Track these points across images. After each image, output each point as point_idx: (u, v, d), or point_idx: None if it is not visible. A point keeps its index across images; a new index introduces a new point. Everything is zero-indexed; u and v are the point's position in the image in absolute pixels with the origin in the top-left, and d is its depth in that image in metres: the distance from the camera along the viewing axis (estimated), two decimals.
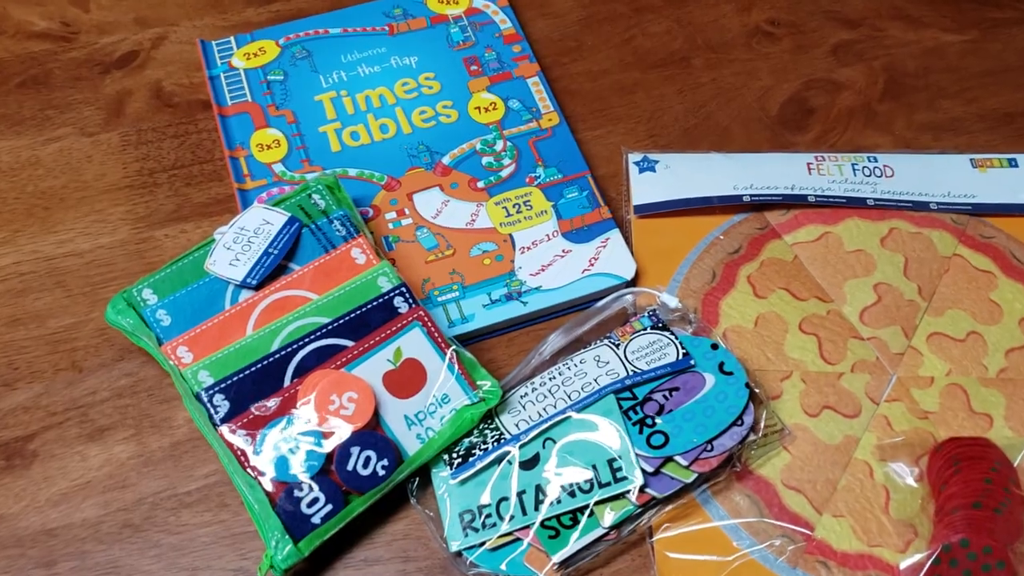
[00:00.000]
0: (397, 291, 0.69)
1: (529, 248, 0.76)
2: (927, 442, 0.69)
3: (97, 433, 0.70)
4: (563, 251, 0.76)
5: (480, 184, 0.79)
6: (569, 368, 0.70)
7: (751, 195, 0.78)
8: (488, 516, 0.65)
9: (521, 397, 0.69)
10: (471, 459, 0.67)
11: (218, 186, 0.81)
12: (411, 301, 0.69)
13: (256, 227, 0.71)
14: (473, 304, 0.74)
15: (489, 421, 0.68)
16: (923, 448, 0.68)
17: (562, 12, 0.92)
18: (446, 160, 0.81)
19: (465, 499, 0.66)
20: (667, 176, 0.80)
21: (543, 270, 0.75)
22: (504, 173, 0.80)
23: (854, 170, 0.80)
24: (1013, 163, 0.81)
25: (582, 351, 0.71)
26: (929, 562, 0.62)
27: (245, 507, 0.66)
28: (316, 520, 0.62)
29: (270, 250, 0.70)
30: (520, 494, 0.65)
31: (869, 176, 0.80)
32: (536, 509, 0.65)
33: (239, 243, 0.70)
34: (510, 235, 0.77)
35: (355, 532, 0.66)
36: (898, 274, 0.76)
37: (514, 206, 0.78)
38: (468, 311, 0.73)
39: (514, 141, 0.82)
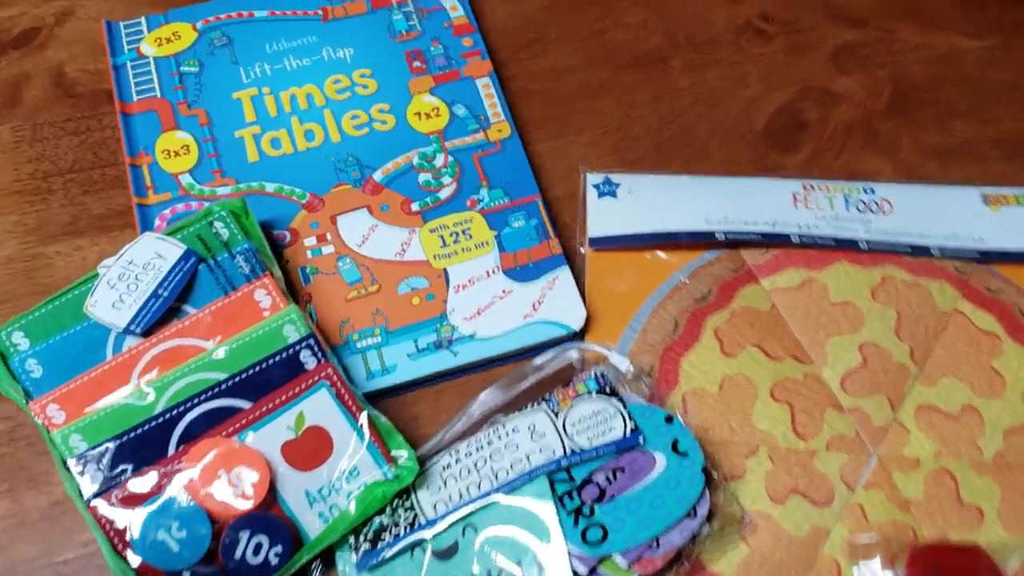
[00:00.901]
0: (305, 343, 0.60)
1: (465, 286, 0.66)
2: (906, 538, 0.60)
3: None
4: (503, 291, 0.66)
5: (415, 207, 0.69)
6: (500, 437, 0.60)
7: (725, 231, 0.68)
8: None
9: (443, 469, 0.60)
10: (380, 545, 0.58)
11: (120, 195, 0.71)
12: (320, 355, 0.60)
13: (146, 261, 0.61)
14: (397, 352, 0.64)
15: (404, 497, 0.59)
16: (901, 546, 0.59)
17: None
18: (377, 176, 0.70)
19: None
20: (630, 203, 0.70)
21: (479, 313, 0.65)
22: (443, 194, 0.70)
23: (847, 203, 0.70)
24: None
25: (516, 415, 0.61)
26: None
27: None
28: None
29: (159, 291, 0.60)
30: None
31: (863, 212, 0.69)
32: None
33: (125, 280, 0.61)
34: (444, 270, 0.67)
35: None
36: (888, 332, 0.66)
37: (451, 235, 0.68)
38: (391, 360, 0.64)
39: (456, 156, 0.71)
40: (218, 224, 0.63)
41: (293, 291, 0.65)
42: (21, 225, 0.70)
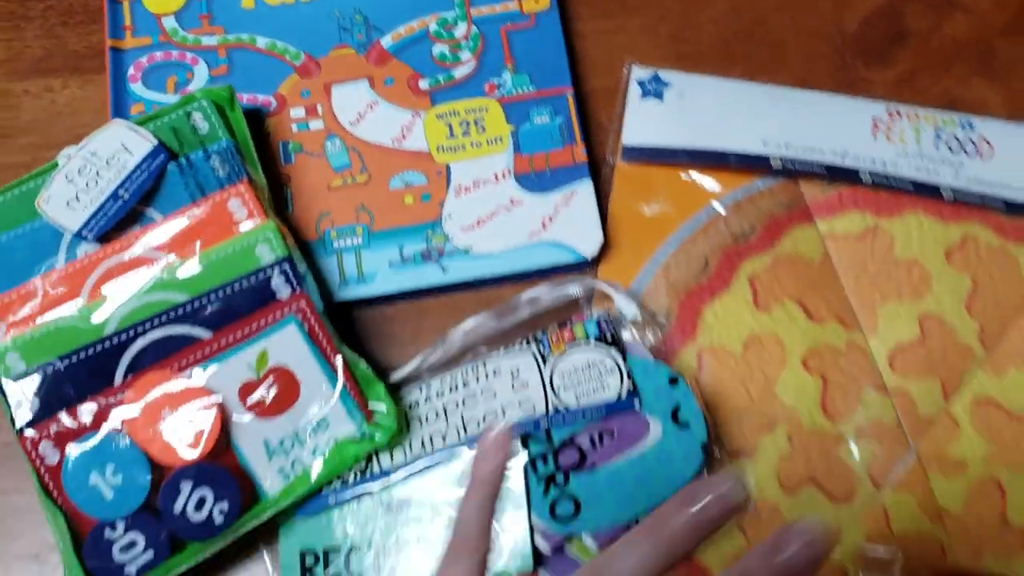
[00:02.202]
0: (279, 267, 0.51)
1: (468, 190, 0.57)
2: (931, 556, 0.51)
3: None
4: (511, 201, 0.57)
5: (423, 84, 0.59)
6: (477, 380, 0.53)
7: (784, 158, 0.57)
8: (333, 564, 0.51)
9: (409, 408, 0.53)
10: (325, 491, 0.51)
11: (100, 31, 0.62)
12: (294, 284, 0.51)
13: (111, 155, 0.52)
14: (378, 259, 0.56)
15: None
16: (921, 561, 0.51)
17: None
18: (386, 42, 0.60)
19: (311, 535, 0.51)
20: (677, 109, 0.59)
21: (479, 224, 0.56)
22: (458, 73, 0.59)
23: (937, 139, 0.58)
24: None
25: (500, 353, 0.53)
26: None
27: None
28: (131, 570, 0.48)
29: (120, 192, 0.52)
30: (378, 544, 0.50)
31: (956, 152, 0.57)
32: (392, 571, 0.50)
33: (84, 175, 0.52)
34: (447, 166, 0.57)
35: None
36: (958, 305, 0.55)
37: (461, 124, 0.58)
38: (369, 268, 0.55)
39: (482, 26, 0.60)
40: (197, 115, 0.54)
41: (269, 170, 0.56)
42: None
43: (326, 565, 0.50)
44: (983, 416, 0.53)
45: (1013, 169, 0.57)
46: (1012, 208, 0.56)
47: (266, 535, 0.52)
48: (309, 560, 0.51)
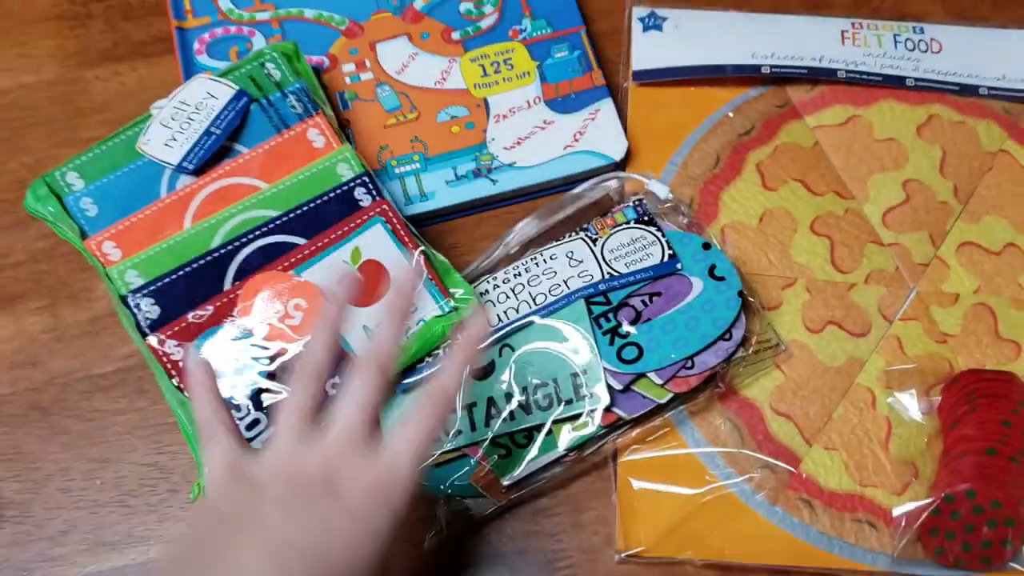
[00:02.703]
0: (359, 180, 0.59)
1: (506, 116, 0.66)
2: (942, 371, 0.60)
3: (7, 301, 0.63)
4: (544, 122, 0.66)
5: (455, 35, 0.68)
6: (537, 264, 0.60)
7: (772, 66, 0.67)
8: None
9: (481, 295, 0.60)
10: (418, 366, 0.58)
11: (160, 21, 0.70)
12: (375, 193, 0.59)
13: (198, 101, 0.61)
14: (435, 179, 0.64)
15: None
16: (937, 378, 0.59)
17: None
18: (418, 4, 0.69)
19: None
20: (676, 37, 0.68)
21: (519, 143, 0.65)
22: (484, 24, 0.69)
23: (895, 42, 0.68)
24: None
25: (554, 244, 0.61)
26: (927, 512, 0.54)
27: (164, 397, 0.58)
28: (256, 445, 0.55)
29: (212, 129, 0.60)
30: (470, 407, 0.57)
31: (912, 50, 0.68)
32: (487, 425, 0.57)
33: (178, 120, 0.60)
34: (484, 99, 0.66)
35: None
36: (933, 170, 0.65)
37: (492, 64, 0.67)
38: (429, 187, 0.64)
39: None
40: (270, 66, 0.63)
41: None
42: (61, 49, 0.70)
43: None
44: (967, 255, 0.63)
45: (960, 60, 0.68)
46: (964, 89, 0.67)
47: None
48: None
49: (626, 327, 0.58)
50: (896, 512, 0.56)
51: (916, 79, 0.67)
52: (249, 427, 0.55)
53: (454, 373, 0.48)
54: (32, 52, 0.70)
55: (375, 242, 0.58)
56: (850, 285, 0.62)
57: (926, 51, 0.68)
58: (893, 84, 0.67)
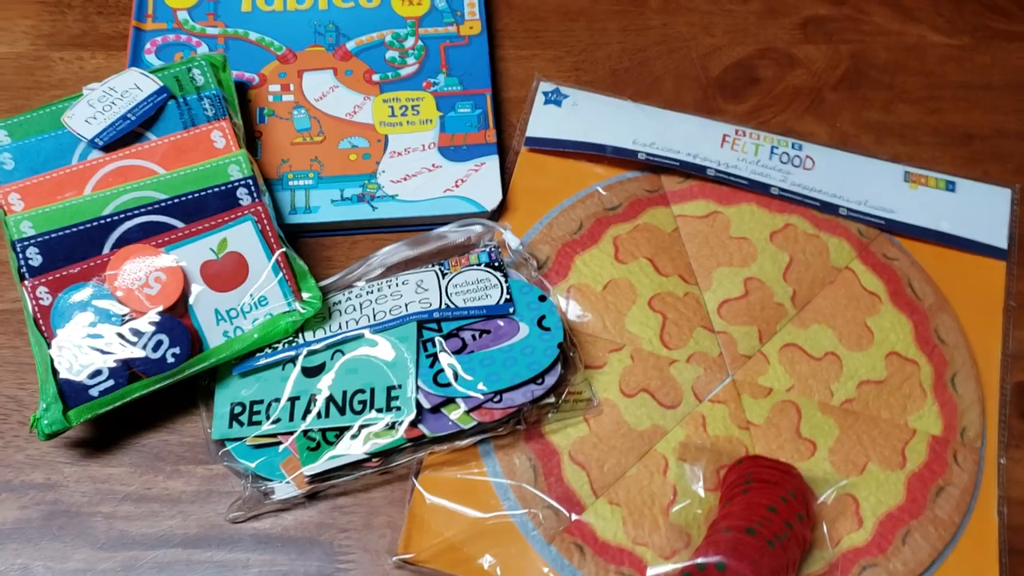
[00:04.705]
0: (243, 182, 0.66)
1: (400, 154, 0.72)
2: (737, 454, 0.64)
3: None
4: (433, 165, 0.72)
5: (375, 77, 0.75)
6: (389, 287, 0.66)
7: (648, 153, 0.73)
8: (257, 413, 0.63)
9: (333, 305, 0.66)
10: (257, 355, 0.64)
11: (127, 21, 0.78)
12: (255, 195, 0.66)
13: (125, 90, 0.68)
14: (323, 197, 0.70)
15: None
16: (729, 458, 0.63)
17: None
18: (350, 45, 0.77)
19: (240, 392, 0.64)
20: (571, 114, 0.75)
21: (405, 179, 0.71)
22: (404, 72, 0.76)
23: (772, 153, 0.74)
24: (951, 186, 0.73)
25: (409, 272, 0.67)
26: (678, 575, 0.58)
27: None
28: (94, 393, 0.60)
29: (129, 115, 0.67)
30: (293, 399, 0.63)
31: (785, 163, 0.73)
32: (303, 418, 0.62)
33: (103, 103, 0.67)
34: (386, 136, 0.73)
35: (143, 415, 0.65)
36: (777, 273, 0.70)
37: (401, 108, 0.74)
38: (315, 202, 0.70)
39: (426, 41, 0.77)
40: (196, 71, 0.70)
41: (247, 127, 0.72)
42: (36, 30, 0.78)
43: (251, 414, 0.63)
44: (789, 356, 0.67)
45: (828, 180, 0.73)
46: (825, 207, 0.72)
47: (205, 396, 0.65)
48: (237, 409, 0.63)
49: (447, 356, 0.63)
50: (650, 572, 0.60)
51: (781, 189, 0.72)
52: (91, 376, 0.61)
53: None
54: (10, 27, 0.78)
55: (242, 237, 0.65)
56: (671, 361, 0.67)
57: (799, 166, 0.73)
58: (758, 190, 0.72)
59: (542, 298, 0.65)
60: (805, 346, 0.68)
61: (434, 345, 0.63)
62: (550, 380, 0.63)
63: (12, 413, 0.65)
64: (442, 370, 0.62)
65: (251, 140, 0.72)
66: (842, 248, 0.71)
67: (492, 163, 0.72)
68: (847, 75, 0.79)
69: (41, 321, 0.62)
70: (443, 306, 0.65)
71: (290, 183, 0.71)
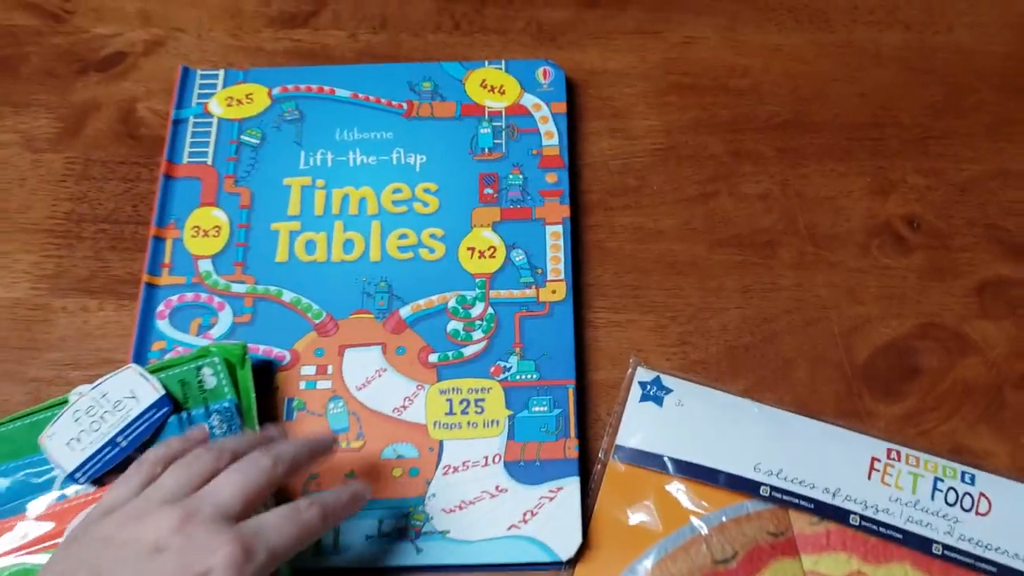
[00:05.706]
0: None
1: (457, 469, 0.58)
2: None
3: None
4: (497, 488, 0.57)
5: (433, 358, 0.61)
6: None
7: (773, 487, 0.57)
8: None
9: None
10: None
11: (141, 260, 0.65)
12: None
13: (118, 399, 0.55)
14: (356, 530, 0.56)
15: None
16: None
17: (636, 134, 0.70)
18: (405, 312, 0.62)
19: None
20: (675, 418, 0.59)
21: (460, 508, 0.57)
22: (468, 351, 0.61)
23: (934, 489, 0.57)
24: None
25: None
26: None
27: None
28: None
29: (119, 439, 0.54)
30: None
31: (953, 505, 0.56)
32: None
33: (90, 416, 0.55)
34: (440, 442, 0.58)
35: None
36: None
37: (462, 402, 0.60)
38: (346, 539, 0.56)
39: (497, 309, 0.62)
40: (207, 371, 0.57)
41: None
42: (39, 268, 0.66)
43: None
44: None
45: (1009, 531, 0.56)
46: (1004, 572, 0.55)
47: None
48: None
49: None
50: None
51: (946, 546, 0.55)
52: None
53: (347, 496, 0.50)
54: (10, 265, 0.66)
55: None
56: None
57: (969, 510, 0.56)
58: (915, 545, 0.55)
59: None
60: None
61: None
62: None
63: None
64: None
65: None
66: None
67: (572, 489, 0.57)
68: None
69: None
70: None
71: None
